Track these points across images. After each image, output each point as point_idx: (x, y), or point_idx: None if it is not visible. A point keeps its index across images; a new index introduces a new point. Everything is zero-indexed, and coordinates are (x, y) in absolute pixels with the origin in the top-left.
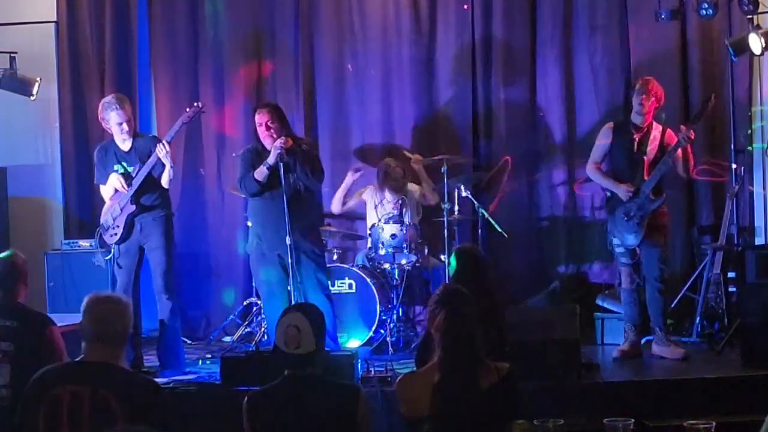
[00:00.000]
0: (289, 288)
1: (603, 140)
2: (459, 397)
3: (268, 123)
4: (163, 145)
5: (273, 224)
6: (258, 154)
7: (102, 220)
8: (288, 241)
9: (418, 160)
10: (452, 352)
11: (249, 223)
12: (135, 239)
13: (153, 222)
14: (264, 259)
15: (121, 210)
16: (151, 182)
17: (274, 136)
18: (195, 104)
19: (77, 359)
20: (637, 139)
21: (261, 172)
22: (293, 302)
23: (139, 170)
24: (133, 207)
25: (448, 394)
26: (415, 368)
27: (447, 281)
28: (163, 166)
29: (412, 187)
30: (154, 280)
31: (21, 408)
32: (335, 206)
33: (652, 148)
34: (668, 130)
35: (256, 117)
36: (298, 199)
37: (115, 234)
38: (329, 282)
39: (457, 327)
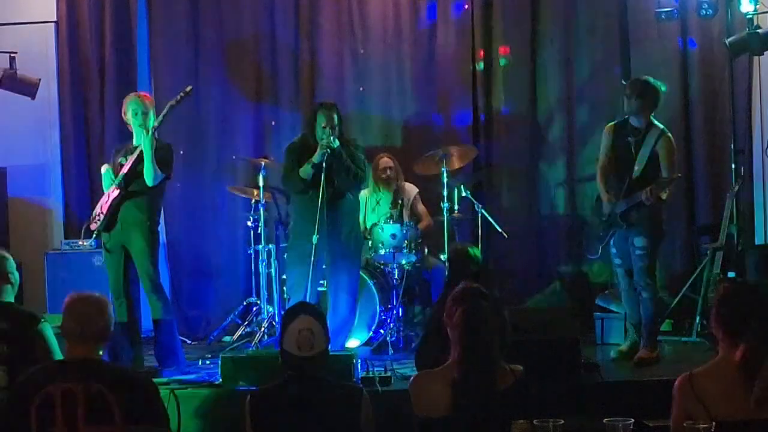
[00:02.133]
0: (321, 288)
1: (603, 141)
2: (477, 397)
3: (333, 123)
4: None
5: (315, 223)
6: (305, 150)
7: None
8: (314, 240)
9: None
10: (471, 350)
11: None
12: (117, 239)
13: (134, 223)
14: (302, 256)
15: (109, 197)
16: (140, 175)
17: (332, 136)
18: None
19: (61, 359)
20: (632, 142)
21: (306, 171)
22: (314, 300)
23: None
24: (118, 191)
25: (467, 394)
26: (415, 368)
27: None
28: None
29: (408, 186)
30: (141, 281)
31: (9, 409)
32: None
33: (643, 152)
34: (664, 135)
35: (320, 116)
36: (341, 201)
37: (98, 221)
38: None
39: (476, 325)
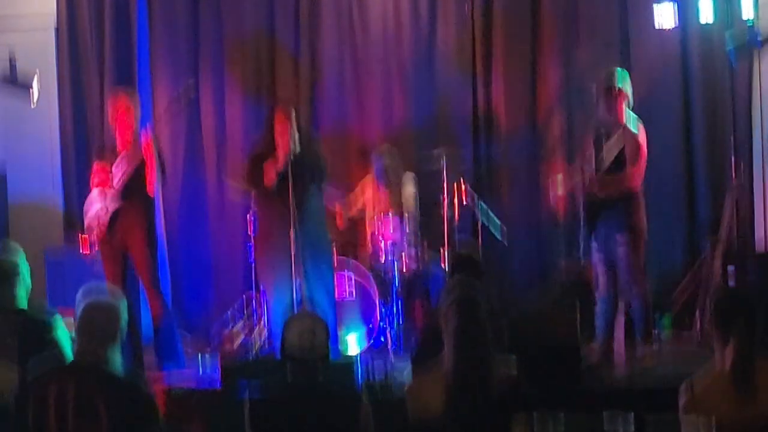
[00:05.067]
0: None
1: None
2: (471, 399)
3: (291, 131)
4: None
5: (282, 224)
6: (269, 152)
7: (87, 221)
8: (293, 238)
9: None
10: (465, 351)
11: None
12: (117, 238)
13: (133, 222)
14: (273, 259)
15: (107, 208)
16: (138, 180)
17: (290, 135)
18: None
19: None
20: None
21: (271, 178)
22: (296, 303)
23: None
24: (119, 203)
25: (461, 394)
26: (412, 368)
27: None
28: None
29: (406, 178)
30: (140, 278)
31: (15, 407)
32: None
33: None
34: (634, 135)
35: (277, 116)
36: (307, 200)
37: (101, 232)
38: (334, 280)
39: (469, 328)
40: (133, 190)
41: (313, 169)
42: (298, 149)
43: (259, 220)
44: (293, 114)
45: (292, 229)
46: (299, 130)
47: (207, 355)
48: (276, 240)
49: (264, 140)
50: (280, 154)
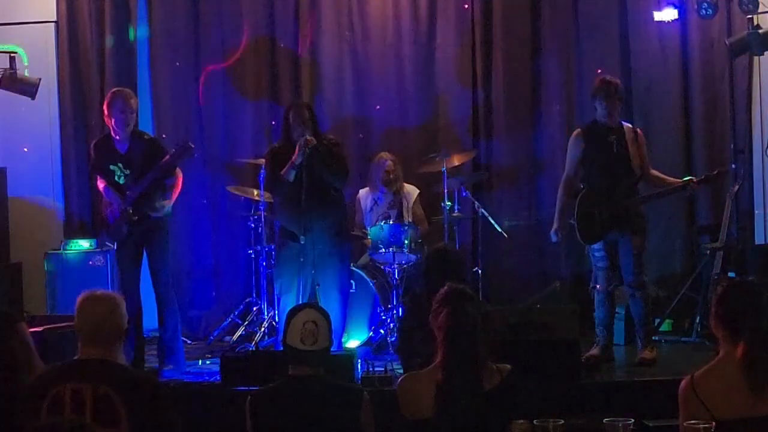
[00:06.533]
0: (316, 285)
1: (573, 150)
2: (462, 398)
3: (304, 118)
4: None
5: (299, 223)
6: (286, 153)
7: (107, 213)
8: (302, 240)
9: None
10: (455, 352)
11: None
12: (135, 239)
13: (153, 224)
14: (291, 256)
15: (121, 214)
16: (154, 190)
17: (306, 134)
18: (187, 144)
19: (74, 358)
20: (614, 141)
21: (289, 172)
22: (305, 299)
23: (133, 180)
24: (135, 217)
25: (452, 395)
26: (401, 365)
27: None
28: (168, 177)
29: (409, 188)
30: (156, 277)
31: (21, 408)
32: None
33: (632, 149)
34: (638, 130)
35: (292, 115)
36: (324, 198)
37: (122, 234)
38: (350, 283)
39: (459, 326)
40: (151, 198)
41: (328, 163)
42: (313, 141)
43: (279, 219)
44: (305, 110)
45: (303, 223)
46: (315, 128)
47: (207, 362)
48: (293, 238)
49: (281, 140)
50: (297, 148)
